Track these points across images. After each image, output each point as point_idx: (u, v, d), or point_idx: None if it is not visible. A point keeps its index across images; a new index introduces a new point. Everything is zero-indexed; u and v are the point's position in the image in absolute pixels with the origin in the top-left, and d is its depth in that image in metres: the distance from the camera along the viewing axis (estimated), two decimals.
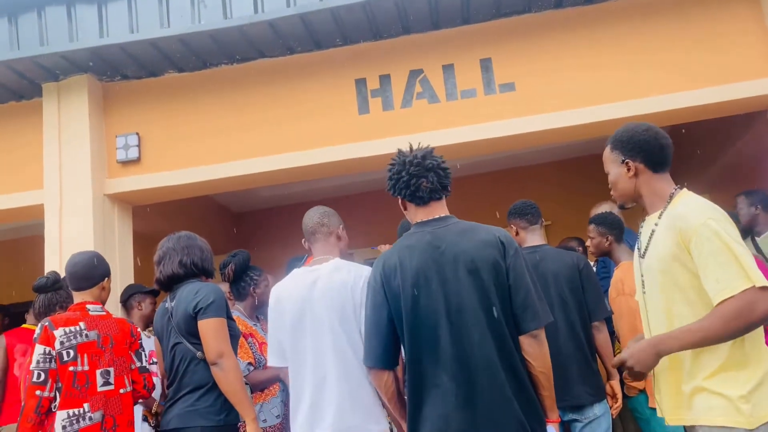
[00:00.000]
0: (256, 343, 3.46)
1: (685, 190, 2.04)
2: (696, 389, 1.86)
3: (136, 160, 4.50)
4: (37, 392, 2.51)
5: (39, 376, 2.54)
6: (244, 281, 3.56)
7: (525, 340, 1.91)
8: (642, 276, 2.08)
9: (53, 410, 2.55)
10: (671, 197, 2.01)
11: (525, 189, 6.56)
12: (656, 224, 2.02)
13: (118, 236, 4.59)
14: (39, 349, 2.59)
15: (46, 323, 2.65)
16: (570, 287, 3.03)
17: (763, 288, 1.75)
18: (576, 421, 2.96)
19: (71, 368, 2.60)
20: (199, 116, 4.49)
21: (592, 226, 3.60)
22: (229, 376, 2.63)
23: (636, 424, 3.94)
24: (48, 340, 2.60)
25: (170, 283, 2.85)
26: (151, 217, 5.32)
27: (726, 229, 1.82)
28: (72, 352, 2.62)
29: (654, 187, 2.05)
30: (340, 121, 4.35)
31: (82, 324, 2.69)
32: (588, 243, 3.67)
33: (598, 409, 2.94)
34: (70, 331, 2.65)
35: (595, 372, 3.03)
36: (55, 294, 3.11)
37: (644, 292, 2.07)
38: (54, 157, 4.44)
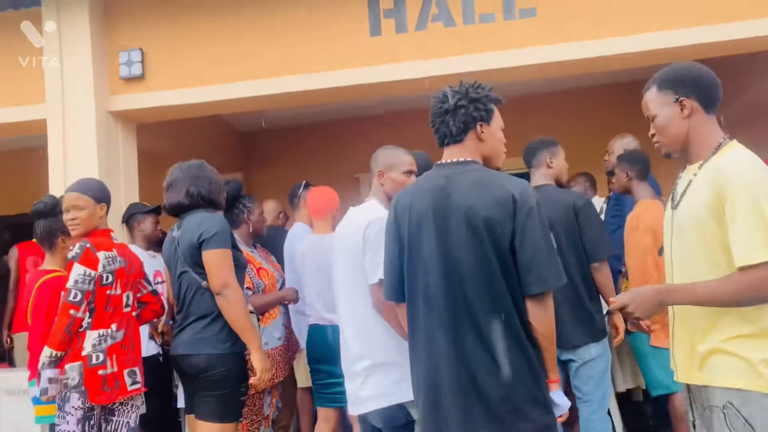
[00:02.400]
0: (254, 269, 3.48)
1: (734, 141, 1.91)
2: (713, 350, 1.80)
3: (140, 77, 4.35)
4: (71, 311, 2.56)
5: (76, 295, 2.57)
6: (237, 209, 3.55)
7: (528, 303, 1.87)
8: (672, 228, 1.97)
9: (83, 329, 2.61)
10: (718, 148, 1.89)
11: (537, 118, 6.43)
12: (695, 174, 1.90)
13: (123, 154, 4.52)
14: (79, 269, 2.59)
15: (88, 245, 2.65)
16: (566, 229, 2.99)
17: None
18: (572, 361, 2.99)
19: (108, 291, 2.67)
20: (205, 34, 4.31)
21: (616, 161, 3.54)
22: (233, 306, 2.64)
23: (633, 360, 4.01)
24: (90, 261, 2.62)
25: (177, 211, 2.82)
26: (157, 135, 5.24)
27: (767, 193, 1.71)
28: (111, 277, 2.68)
29: (705, 131, 1.91)
30: (351, 43, 4.16)
31: (115, 250, 2.74)
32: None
33: (594, 351, 2.95)
34: (109, 256, 2.70)
35: (591, 314, 3.00)
36: (55, 220, 3.04)
37: (671, 246, 1.98)
38: (55, 71, 4.30)
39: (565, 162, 3.20)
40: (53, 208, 3.05)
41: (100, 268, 2.64)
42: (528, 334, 1.88)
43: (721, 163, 1.83)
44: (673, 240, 1.96)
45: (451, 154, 2.03)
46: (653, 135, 2.00)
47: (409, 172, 2.64)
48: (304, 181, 4.25)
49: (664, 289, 1.88)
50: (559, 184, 3.19)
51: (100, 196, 2.81)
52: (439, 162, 2.07)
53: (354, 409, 2.58)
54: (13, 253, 4.55)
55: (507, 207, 1.86)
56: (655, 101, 1.96)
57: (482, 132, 2.01)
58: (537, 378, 1.87)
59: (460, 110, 1.99)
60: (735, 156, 1.84)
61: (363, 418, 2.60)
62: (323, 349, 3.34)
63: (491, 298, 1.85)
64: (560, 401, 1.93)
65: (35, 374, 2.91)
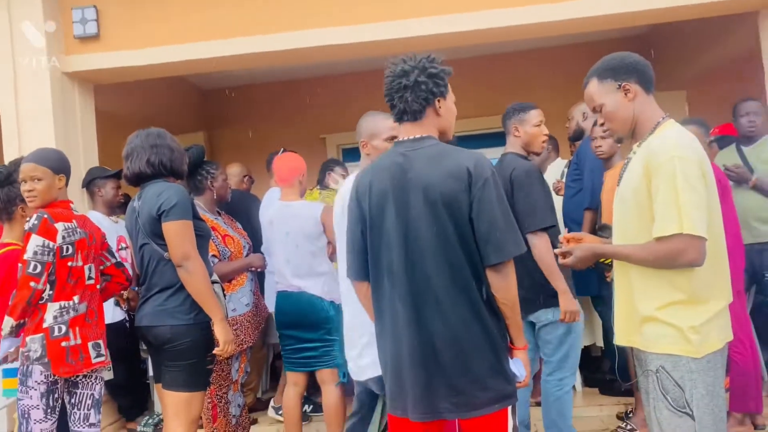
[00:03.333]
0: (219, 236, 3.46)
1: (671, 120, 2.02)
2: (647, 318, 1.94)
3: (95, 36, 4.19)
4: (32, 284, 2.51)
5: (35, 267, 2.52)
6: (201, 175, 3.49)
7: (488, 273, 1.91)
8: (617, 201, 2.11)
9: (44, 301, 2.58)
10: (656, 127, 2.01)
11: (500, 80, 6.42)
12: (634, 153, 2.04)
13: (80, 117, 4.38)
14: (37, 240, 2.54)
15: (45, 215, 2.58)
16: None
17: (693, 236, 1.81)
18: (532, 323, 3.05)
19: (69, 263, 2.62)
20: None
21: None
22: (195, 277, 2.63)
23: (592, 316, 4.14)
24: (48, 232, 2.56)
25: (137, 180, 2.77)
26: (115, 95, 5.08)
27: (686, 171, 1.84)
28: (71, 248, 2.63)
29: (647, 111, 2.03)
30: (311, 3, 4.07)
31: (74, 221, 2.68)
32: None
33: (552, 315, 2.95)
34: (69, 227, 2.64)
35: (539, 283, 2.90)
36: (11, 188, 2.95)
37: (615, 216, 2.11)
38: (3, 30, 4.11)
39: (537, 128, 3.05)
40: (7, 178, 2.95)
41: (59, 239, 2.58)
42: (490, 305, 1.92)
43: (653, 141, 1.96)
44: (616, 210, 2.11)
45: (407, 131, 2.03)
46: (602, 124, 2.12)
47: (392, 138, 2.52)
48: (282, 149, 4.18)
49: (598, 246, 2.12)
50: (531, 151, 3.10)
51: (59, 166, 2.73)
52: (397, 140, 2.08)
53: (355, 376, 2.63)
54: None
55: (462, 180, 1.89)
56: (599, 91, 2.07)
57: (440, 107, 2.02)
58: (496, 349, 1.92)
59: (419, 86, 1.97)
60: (665, 134, 1.96)
61: (363, 385, 2.66)
62: (291, 315, 3.37)
63: (450, 272, 1.89)
64: (517, 371, 1.98)
65: None
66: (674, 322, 1.88)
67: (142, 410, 4.40)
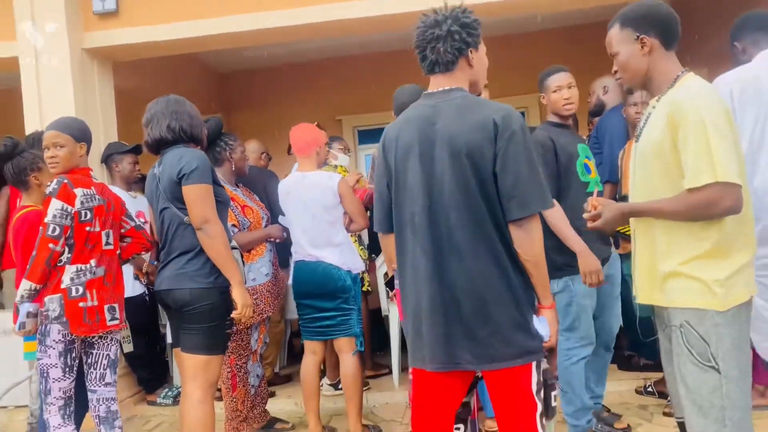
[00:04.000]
0: (238, 207, 3.48)
1: (691, 74, 1.98)
2: (672, 273, 1.90)
3: (114, 12, 4.22)
4: (50, 245, 2.57)
5: (54, 230, 2.58)
6: (219, 146, 3.51)
7: (511, 228, 1.86)
8: (635, 158, 2.07)
9: (61, 264, 2.62)
10: (675, 80, 1.97)
11: (519, 58, 6.37)
12: (654, 107, 2.00)
13: (99, 93, 4.43)
14: (57, 204, 2.59)
15: (65, 180, 2.64)
16: None
17: (727, 184, 1.77)
18: None
19: (87, 228, 2.67)
20: None
21: None
22: (214, 240, 2.65)
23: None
24: (68, 197, 2.62)
25: (158, 147, 2.79)
26: (134, 75, 5.11)
27: (714, 120, 1.80)
28: (89, 214, 2.68)
29: (664, 66, 1.99)
30: None
31: (93, 188, 2.74)
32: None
33: (555, 286, 2.91)
34: (87, 194, 2.69)
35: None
36: (20, 158, 3.00)
37: (635, 175, 2.08)
38: (25, 6, 4.15)
39: (555, 94, 3.00)
40: (14, 148, 3.00)
41: (77, 204, 2.63)
42: (514, 260, 1.89)
43: (676, 94, 1.92)
44: (636, 168, 2.06)
45: (438, 83, 2.00)
46: (615, 71, 2.08)
47: None
48: (316, 123, 4.16)
49: (625, 204, 2.04)
50: (560, 116, 3.03)
51: (80, 135, 2.79)
52: (426, 92, 2.05)
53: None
54: (5, 191, 4.52)
55: (488, 132, 1.84)
56: (618, 38, 2.04)
57: (473, 58, 1.97)
58: (519, 303, 1.88)
59: (452, 36, 1.93)
60: (690, 85, 1.92)
61: None
62: (308, 284, 3.38)
63: (472, 225, 1.87)
64: (542, 329, 1.92)
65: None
66: (699, 276, 1.85)
67: (162, 383, 4.45)
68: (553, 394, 2.34)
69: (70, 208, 2.61)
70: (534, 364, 1.90)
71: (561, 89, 2.99)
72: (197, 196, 2.64)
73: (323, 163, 3.62)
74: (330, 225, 3.36)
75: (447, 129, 1.90)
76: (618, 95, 4.17)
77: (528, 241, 1.87)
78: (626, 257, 3.51)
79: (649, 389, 3.75)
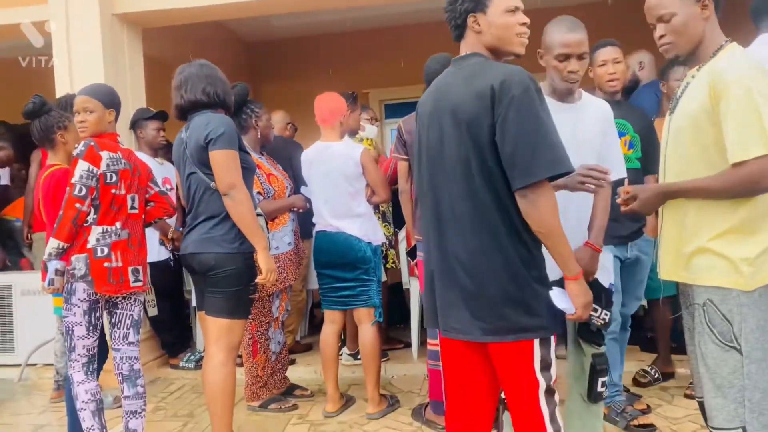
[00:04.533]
0: (264, 174, 3.49)
1: (734, 43, 1.89)
2: (699, 249, 1.85)
3: None
4: (77, 205, 2.62)
5: (81, 190, 2.62)
6: (245, 113, 3.52)
7: (517, 199, 1.75)
8: (668, 132, 1.99)
9: (87, 224, 2.67)
10: (719, 49, 1.87)
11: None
12: (693, 77, 1.91)
13: (129, 58, 4.45)
14: (83, 165, 2.64)
15: (92, 143, 2.68)
16: None
17: None
18: None
19: (113, 191, 2.71)
20: None
21: None
22: (240, 206, 2.66)
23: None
24: (94, 158, 2.66)
25: (191, 110, 2.79)
26: (163, 43, 5.13)
27: (761, 89, 1.71)
28: (115, 177, 2.71)
29: (714, 33, 1.89)
30: None
31: (119, 153, 2.77)
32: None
33: None
34: (113, 157, 2.72)
35: None
36: (48, 117, 3.04)
37: (666, 150, 2.00)
38: None
39: (600, 68, 2.94)
40: (42, 107, 3.04)
41: (103, 166, 2.67)
42: (517, 234, 1.79)
43: (718, 63, 1.83)
44: (669, 143, 1.98)
45: (460, 51, 1.97)
46: (662, 36, 1.93)
47: None
48: (353, 92, 4.12)
49: (665, 185, 1.95)
50: (604, 92, 2.96)
51: (109, 101, 2.82)
52: (453, 58, 2.02)
53: None
54: (36, 155, 4.61)
55: (485, 100, 1.74)
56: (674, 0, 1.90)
57: (476, 24, 1.87)
58: (516, 279, 1.79)
59: (453, 5, 1.90)
60: (731, 56, 1.83)
61: None
62: (329, 254, 3.40)
63: (472, 198, 1.80)
64: (560, 303, 1.81)
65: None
66: (726, 253, 1.80)
67: (185, 347, 4.53)
68: (600, 380, 2.30)
69: (96, 169, 2.65)
70: (537, 341, 1.81)
71: (606, 64, 2.90)
72: (223, 162, 2.65)
73: (350, 133, 3.59)
74: (351, 196, 3.36)
75: (453, 98, 1.84)
76: (653, 72, 4.07)
77: (534, 211, 1.73)
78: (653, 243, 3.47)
79: (652, 370, 3.70)
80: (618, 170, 2.41)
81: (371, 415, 3.37)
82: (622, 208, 2.04)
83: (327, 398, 3.49)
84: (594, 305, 2.18)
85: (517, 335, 1.80)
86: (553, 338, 1.86)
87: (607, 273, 2.38)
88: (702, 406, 1.99)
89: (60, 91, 4.11)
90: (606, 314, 2.27)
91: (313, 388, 3.86)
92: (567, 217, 2.17)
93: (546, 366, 1.83)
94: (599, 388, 2.34)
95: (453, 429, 2.01)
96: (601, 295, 2.27)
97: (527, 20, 1.88)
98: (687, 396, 3.40)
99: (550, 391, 1.84)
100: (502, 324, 1.80)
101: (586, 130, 2.32)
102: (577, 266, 1.83)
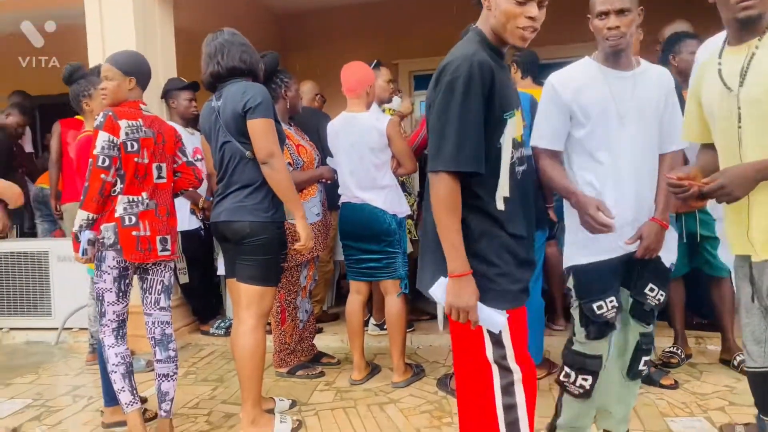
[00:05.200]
0: (293, 145, 3.50)
1: None
2: None
3: None
4: (102, 176, 2.64)
5: (104, 161, 2.65)
6: (275, 83, 3.50)
7: None
8: (738, 108, 1.86)
9: (114, 194, 2.70)
10: None
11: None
12: (757, 48, 1.81)
13: (160, 29, 4.49)
14: (103, 136, 2.66)
15: (110, 113, 2.69)
16: None
17: None
18: None
19: (135, 159, 2.71)
20: None
21: None
22: (280, 174, 2.69)
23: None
24: (113, 128, 2.67)
25: (227, 78, 2.79)
26: (193, 11, 5.13)
27: None
28: (135, 145, 2.71)
29: None
30: None
31: (140, 120, 2.76)
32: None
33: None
34: (132, 125, 2.72)
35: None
36: (77, 86, 3.15)
37: (740, 127, 1.87)
38: None
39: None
40: (71, 75, 3.16)
41: (122, 135, 2.67)
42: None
43: None
44: (744, 119, 1.85)
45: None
46: None
47: None
48: (376, 60, 4.08)
49: (760, 165, 1.78)
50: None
51: (129, 69, 2.79)
52: None
53: None
54: (56, 128, 4.71)
55: (433, 82, 1.76)
56: None
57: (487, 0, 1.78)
58: (435, 257, 1.80)
59: None
60: None
61: None
62: (354, 226, 3.41)
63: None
64: (435, 291, 1.82)
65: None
66: None
67: (215, 314, 4.63)
68: (644, 358, 2.32)
69: (115, 139, 2.66)
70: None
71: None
72: (263, 130, 2.67)
73: (372, 103, 3.56)
74: (377, 168, 3.35)
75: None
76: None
77: (431, 198, 1.74)
78: (689, 215, 3.39)
79: (678, 350, 3.64)
80: (679, 142, 2.30)
81: (397, 383, 3.41)
82: (692, 203, 1.89)
83: (353, 366, 3.55)
84: (651, 285, 2.25)
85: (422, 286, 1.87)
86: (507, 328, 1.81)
87: (669, 252, 2.30)
88: (758, 377, 1.98)
89: (93, 61, 4.16)
90: (662, 295, 2.27)
91: (340, 356, 3.92)
92: (623, 192, 2.19)
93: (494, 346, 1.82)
94: (641, 366, 2.34)
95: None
96: (661, 275, 2.27)
97: (535, 14, 1.71)
98: (723, 360, 3.50)
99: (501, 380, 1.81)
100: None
101: (646, 98, 2.21)
102: (462, 265, 1.71)
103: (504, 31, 1.75)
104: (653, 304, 2.27)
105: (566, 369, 2.34)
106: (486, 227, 1.77)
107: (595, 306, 2.23)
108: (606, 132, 2.19)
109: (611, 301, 2.23)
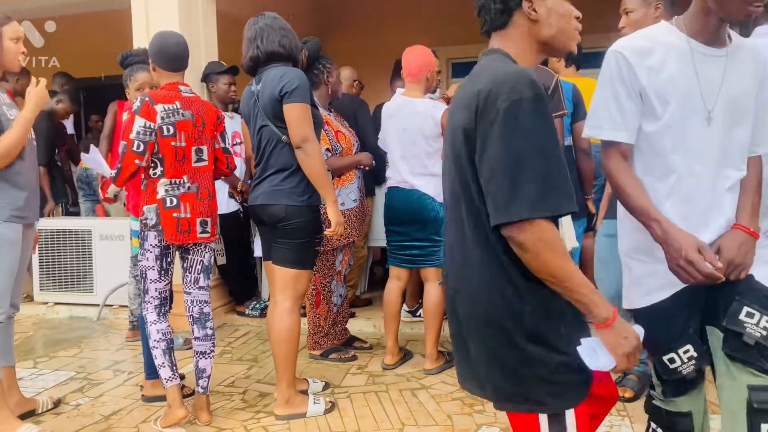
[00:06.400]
0: (332, 131, 3.52)
1: None
2: None
3: None
4: (136, 161, 2.71)
5: (138, 146, 2.70)
6: (317, 69, 3.52)
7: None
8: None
9: (155, 176, 2.76)
10: None
11: None
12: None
13: (202, 13, 4.53)
14: (140, 121, 2.71)
15: (147, 98, 2.74)
16: None
17: None
18: None
19: (173, 143, 2.75)
20: None
21: None
22: (313, 159, 2.71)
23: None
24: (149, 114, 2.72)
25: (266, 62, 2.82)
26: None
27: None
28: (172, 129, 2.75)
29: None
30: None
31: (178, 103, 2.78)
32: None
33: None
34: (169, 108, 2.75)
35: None
36: (126, 71, 3.38)
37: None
38: None
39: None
40: (123, 61, 3.41)
41: (158, 120, 2.71)
42: (503, 275, 1.39)
43: None
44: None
45: (490, 44, 1.53)
46: None
47: None
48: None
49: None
50: None
51: (151, 52, 2.85)
52: None
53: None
54: (112, 107, 4.81)
55: (471, 111, 1.37)
56: None
57: (532, 10, 1.44)
58: (498, 333, 1.40)
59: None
60: None
61: None
62: (401, 211, 3.40)
63: (473, 220, 1.41)
64: (588, 357, 1.35)
65: (136, 213, 3.17)
66: None
67: (251, 296, 4.71)
68: (765, 426, 1.64)
69: (152, 124, 2.70)
70: (546, 417, 1.40)
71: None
72: (298, 115, 2.69)
73: (429, 89, 3.54)
74: (428, 155, 3.33)
75: (458, 96, 1.48)
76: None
77: (524, 256, 1.33)
78: None
79: None
80: None
81: (429, 370, 3.43)
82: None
83: (386, 351, 3.57)
84: (747, 308, 1.66)
85: (501, 405, 1.47)
86: (571, 413, 1.40)
87: (765, 266, 1.73)
88: None
89: (138, 45, 4.24)
90: (767, 322, 1.65)
91: (372, 341, 3.95)
92: (696, 209, 1.70)
93: None
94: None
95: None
96: (759, 293, 1.68)
97: (580, 14, 1.50)
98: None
99: None
100: (490, 385, 1.44)
101: (737, 84, 1.69)
102: (607, 310, 1.34)
103: (567, 37, 1.49)
104: (757, 335, 1.63)
105: (653, 425, 1.89)
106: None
107: (666, 359, 1.75)
108: (684, 128, 1.68)
109: (686, 351, 1.72)
